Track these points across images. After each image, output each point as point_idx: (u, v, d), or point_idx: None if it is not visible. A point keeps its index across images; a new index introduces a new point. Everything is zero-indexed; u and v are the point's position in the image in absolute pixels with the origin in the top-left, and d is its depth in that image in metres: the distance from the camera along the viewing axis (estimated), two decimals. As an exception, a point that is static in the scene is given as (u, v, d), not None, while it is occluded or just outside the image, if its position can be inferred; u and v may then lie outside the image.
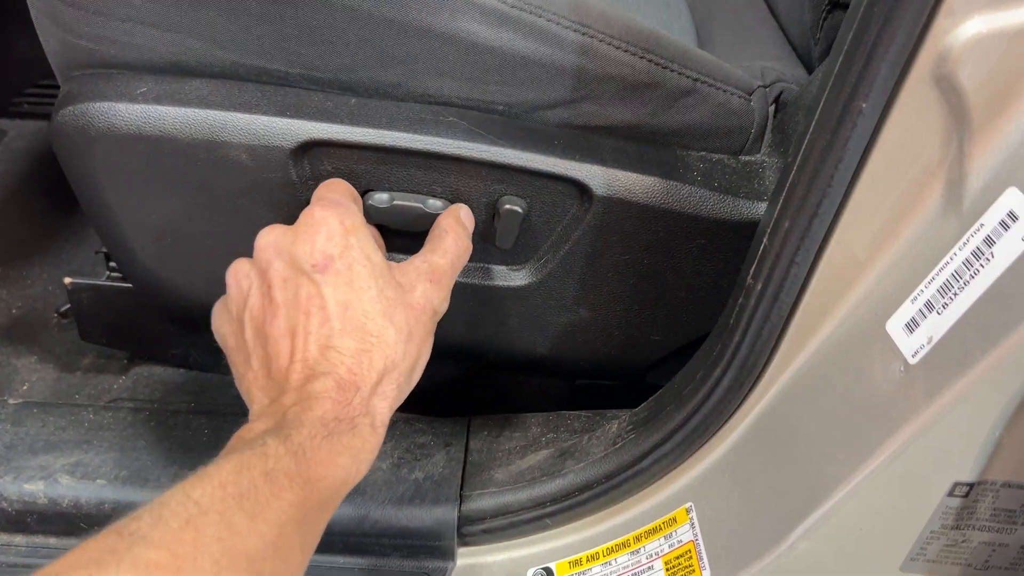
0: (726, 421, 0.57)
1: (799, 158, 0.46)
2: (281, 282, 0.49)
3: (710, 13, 0.84)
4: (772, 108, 0.65)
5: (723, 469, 0.57)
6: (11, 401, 0.69)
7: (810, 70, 0.72)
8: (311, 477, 0.41)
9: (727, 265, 0.63)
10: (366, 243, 0.51)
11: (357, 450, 0.45)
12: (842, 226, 0.47)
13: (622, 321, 0.66)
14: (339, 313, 0.48)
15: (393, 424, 0.69)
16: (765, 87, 0.64)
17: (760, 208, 0.60)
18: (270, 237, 0.51)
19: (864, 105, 0.42)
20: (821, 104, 0.44)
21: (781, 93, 0.65)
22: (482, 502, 0.62)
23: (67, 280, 0.74)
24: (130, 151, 0.58)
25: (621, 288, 0.64)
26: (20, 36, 1.14)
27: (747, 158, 0.64)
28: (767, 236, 0.50)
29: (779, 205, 0.48)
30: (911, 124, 0.43)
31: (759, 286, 0.51)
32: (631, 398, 0.76)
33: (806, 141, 0.45)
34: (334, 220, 0.51)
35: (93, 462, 0.64)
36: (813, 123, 0.45)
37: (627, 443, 0.60)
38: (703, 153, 0.63)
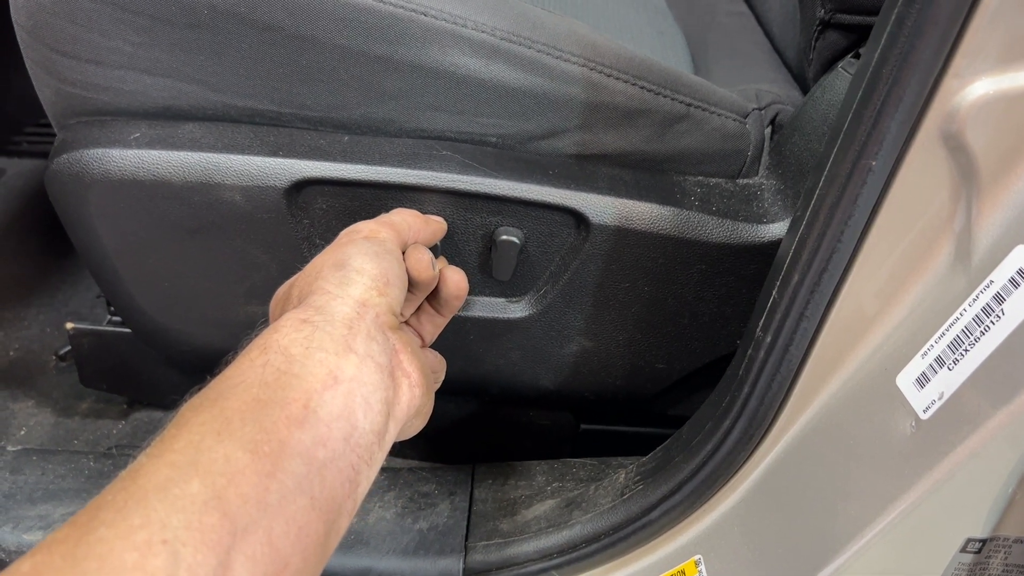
0: (735, 473, 0.55)
1: (808, 213, 0.46)
2: None
3: (705, 39, 0.84)
4: (768, 130, 0.65)
5: (732, 521, 0.56)
6: (10, 448, 0.69)
7: (805, 91, 0.71)
8: (218, 393, 0.37)
9: (729, 290, 0.62)
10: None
11: (265, 344, 0.39)
12: (851, 281, 0.46)
13: (625, 350, 0.65)
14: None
15: (396, 472, 0.68)
16: (760, 109, 0.64)
17: (760, 231, 0.60)
18: None
19: (874, 163, 0.42)
20: (830, 160, 0.44)
21: (777, 115, 0.65)
22: (488, 554, 0.61)
23: (69, 325, 0.74)
24: (125, 196, 0.58)
25: (623, 317, 0.63)
26: (19, 75, 1.15)
27: (745, 181, 0.63)
28: (776, 289, 0.49)
29: (788, 259, 0.48)
30: (920, 181, 0.43)
31: (768, 339, 0.50)
32: (637, 443, 0.75)
33: (815, 197, 0.45)
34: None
35: None
36: (822, 179, 0.45)
37: (635, 494, 0.59)
38: (700, 178, 0.63)
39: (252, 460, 0.34)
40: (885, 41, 0.41)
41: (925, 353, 0.46)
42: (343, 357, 0.39)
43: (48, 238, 1.07)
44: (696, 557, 0.58)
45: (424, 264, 0.49)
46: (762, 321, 0.51)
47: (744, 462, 0.55)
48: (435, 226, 0.55)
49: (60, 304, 0.97)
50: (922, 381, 0.46)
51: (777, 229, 0.60)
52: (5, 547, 0.61)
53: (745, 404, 0.53)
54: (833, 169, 0.45)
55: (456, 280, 0.52)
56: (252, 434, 0.35)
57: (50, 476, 0.66)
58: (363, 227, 0.49)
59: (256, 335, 0.41)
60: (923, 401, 0.45)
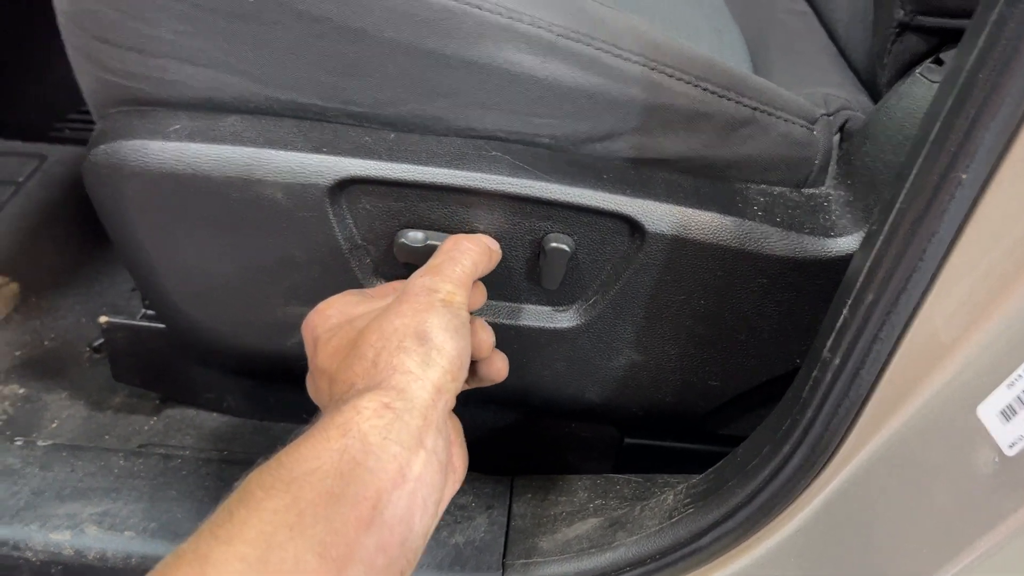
0: (794, 501, 0.52)
1: (886, 227, 0.42)
2: None
3: (765, 40, 0.80)
4: (837, 138, 0.61)
5: (788, 552, 0.53)
6: (40, 443, 0.67)
7: (875, 97, 0.67)
8: (292, 477, 0.36)
9: (791, 306, 0.58)
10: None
11: (346, 426, 0.38)
12: (931, 301, 0.43)
13: (677, 366, 0.61)
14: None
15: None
16: (829, 115, 0.60)
17: (827, 245, 0.56)
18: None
19: (964, 175, 0.38)
20: (914, 171, 0.41)
21: (847, 121, 0.61)
22: (526, 573, 0.58)
23: (102, 319, 0.72)
24: (163, 190, 0.56)
25: (676, 330, 0.60)
26: (61, 61, 1.15)
27: (811, 191, 0.60)
28: (847, 308, 0.46)
29: (862, 276, 0.44)
30: (1014, 196, 0.39)
31: (836, 360, 0.46)
32: (684, 460, 0.72)
33: (895, 210, 0.42)
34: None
35: (122, 512, 0.61)
36: (904, 191, 0.41)
37: (684, 517, 0.56)
38: (763, 186, 0.59)
39: (319, 565, 0.34)
40: (983, 44, 0.37)
41: (1012, 383, 0.42)
42: (414, 453, 0.39)
43: (87, 227, 1.06)
44: (748, 588, 0.55)
45: (487, 346, 0.51)
46: (830, 341, 0.48)
47: (804, 490, 0.52)
48: (496, 258, 0.54)
49: (96, 295, 0.96)
50: (1008, 414, 0.42)
51: (846, 243, 0.56)
52: (32, 547, 0.60)
53: (808, 429, 0.50)
54: (917, 181, 0.41)
55: (499, 368, 0.53)
56: (322, 535, 0.35)
57: (79, 474, 0.64)
58: (440, 286, 0.47)
59: (336, 407, 0.40)
60: (1009, 436, 0.42)
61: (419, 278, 0.47)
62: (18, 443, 0.67)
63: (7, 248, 1.02)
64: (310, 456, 0.37)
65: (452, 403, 0.44)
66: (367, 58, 0.54)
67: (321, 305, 0.50)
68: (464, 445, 0.47)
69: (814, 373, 0.49)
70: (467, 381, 0.51)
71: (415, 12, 0.52)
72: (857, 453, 0.49)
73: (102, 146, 0.57)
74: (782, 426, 0.52)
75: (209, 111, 0.57)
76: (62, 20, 0.58)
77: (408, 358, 0.42)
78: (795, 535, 0.52)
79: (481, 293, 0.55)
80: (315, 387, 0.48)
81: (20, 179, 1.14)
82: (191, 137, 0.55)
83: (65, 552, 0.60)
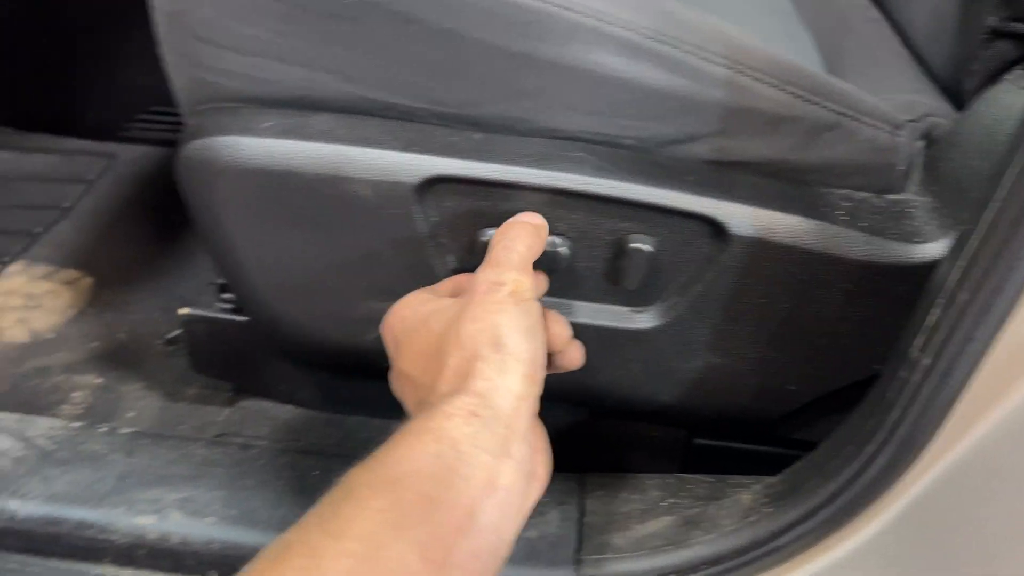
0: (877, 501, 0.52)
1: (982, 228, 0.42)
2: None
3: (840, 45, 0.79)
4: (921, 144, 0.61)
5: (869, 552, 0.52)
6: (122, 430, 0.69)
7: (957, 104, 0.67)
8: (394, 477, 0.37)
9: (874, 311, 0.58)
10: None
11: (439, 432, 0.39)
12: None
13: (755, 369, 0.61)
14: None
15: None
16: (913, 121, 0.60)
17: (912, 251, 0.56)
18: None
19: None
20: (1011, 172, 0.40)
21: (931, 128, 0.61)
22: (600, 568, 0.58)
23: (183, 310, 0.74)
24: (254, 185, 0.57)
25: (756, 333, 0.60)
26: (133, 64, 1.18)
27: (894, 197, 0.59)
28: (941, 308, 0.45)
29: (957, 275, 0.44)
30: None
31: (926, 360, 0.46)
32: (754, 462, 0.71)
33: (993, 211, 0.41)
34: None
35: (203, 499, 0.63)
36: (1000, 192, 0.41)
37: (763, 517, 0.55)
38: (846, 191, 0.59)
39: (422, 567, 0.35)
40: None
41: None
42: (502, 462, 0.39)
43: (157, 224, 1.09)
44: (827, 588, 0.55)
45: (562, 339, 0.51)
46: (920, 342, 0.48)
47: (888, 490, 0.52)
48: (544, 232, 0.53)
49: (166, 289, 0.98)
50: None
51: (932, 249, 0.56)
52: (118, 529, 0.61)
53: (894, 429, 0.50)
54: (1019, 183, 0.41)
55: (575, 358, 0.53)
56: (423, 537, 0.36)
57: (161, 461, 0.66)
58: (504, 276, 0.47)
59: (423, 411, 0.41)
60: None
61: (482, 273, 0.48)
62: (102, 430, 0.69)
63: (80, 244, 1.05)
64: (408, 458, 0.38)
65: (536, 407, 0.44)
66: (457, 59, 0.55)
67: (396, 307, 0.51)
68: (548, 451, 0.47)
69: (901, 373, 0.49)
70: None
71: (507, 14, 0.53)
72: (945, 455, 0.49)
73: (196, 141, 0.58)
74: (865, 426, 0.52)
75: (299, 109, 0.59)
76: (160, 18, 0.59)
77: (487, 366, 0.42)
78: (877, 536, 0.52)
79: (543, 280, 0.55)
80: (400, 387, 0.50)
81: (91, 177, 1.17)
82: (283, 134, 0.57)
83: (149, 536, 0.61)
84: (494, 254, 0.49)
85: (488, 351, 0.43)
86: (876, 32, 0.81)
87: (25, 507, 0.62)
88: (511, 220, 0.52)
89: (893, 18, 0.84)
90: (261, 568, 0.35)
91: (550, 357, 0.52)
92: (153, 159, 1.19)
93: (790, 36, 0.81)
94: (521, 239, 0.50)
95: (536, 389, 0.44)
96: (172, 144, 1.23)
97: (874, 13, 0.87)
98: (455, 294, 0.51)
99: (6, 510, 0.62)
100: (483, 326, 0.44)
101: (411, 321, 0.49)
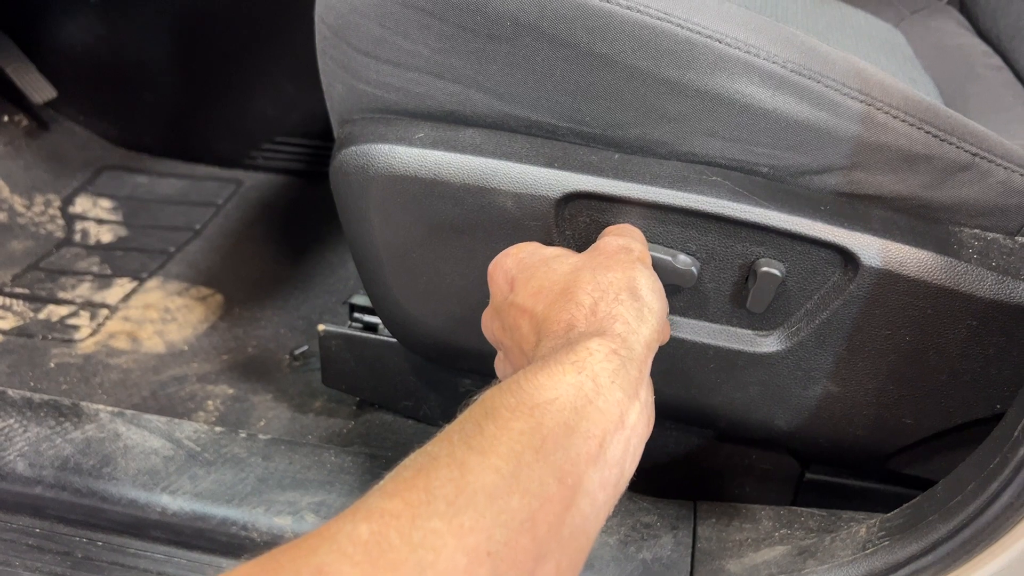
0: (1000, 539, 0.52)
1: None
2: None
3: (964, 91, 0.80)
4: (1054, 189, 0.61)
5: (992, 587, 0.53)
6: (261, 436, 0.73)
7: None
8: (535, 402, 0.38)
9: (998, 351, 0.59)
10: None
11: (580, 364, 0.41)
12: None
13: (873, 400, 0.62)
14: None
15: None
16: (1047, 166, 0.61)
17: (1044, 292, 0.56)
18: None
19: None
20: None
21: (1064, 173, 0.61)
22: (716, 594, 0.60)
23: (320, 327, 0.79)
24: (404, 192, 0.61)
25: (877, 365, 0.60)
26: (260, 95, 1.26)
27: (1025, 239, 0.60)
28: None
29: None
30: None
31: None
32: (866, 500, 0.72)
33: None
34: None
35: (336, 503, 0.66)
36: None
37: (879, 549, 0.56)
38: (976, 230, 0.60)
39: (559, 490, 0.36)
40: None
41: None
42: (632, 402, 0.41)
43: (282, 245, 1.15)
44: (947, 623, 0.55)
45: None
46: None
47: (1011, 528, 0.52)
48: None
49: (293, 308, 1.04)
50: None
51: (1064, 292, 0.56)
52: (258, 528, 0.65)
53: (1020, 467, 0.50)
54: None
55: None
56: (561, 462, 0.37)
57: (297, 466, 0.70)
58: (634, 245, 0.51)
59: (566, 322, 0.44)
60: None
61: (609, 237, 0.51)
62: (242, 435, 0.73)
63: (211, 263, 1.12)
64: (548, 385, 0.39)
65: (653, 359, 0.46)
66: (606, 82, 0.58)
67: (510, 249, 0.54)
68: (653, 406, 0.48)
69: None
70: None
71: (659, 42, 0.56)
72: (1075, 496, 0.49)
73: (351, 148, 0.62)
74: (990, 463, 0.52)
75: (449, 123, 0.63)
76: (324, 32, 0.64)
77: (626, 311, 0.45)
78: (1001, 572, 0.52)
79: None
80: (507, 324, 0.51)
81: (220, 201, 1.25)
82: (434, 145, 0.60)
83: (287, 536, 0.65)
84: (618, 227, 0.54)
85: (627, 297, 0.46)
86: (1001, 79, 0.82)
87: (175, 502, 0.67)
88: (617, 226, 0.57)
89: (1016, 66, 0.84)
90: (409, 476, 0.36)
91: None
92: (276, 186, 1.27)
93: (912, 80, 0.83)
94: (637, 239, 0.54)
95: (660, 343, 0.47)
96: (294, 172, 1.30)
97: (996, 60, 0.88)
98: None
99: (158, 504, 0.66)
100: (621, 276, 0.47)
101: (531, 260, 0.52)
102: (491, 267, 0.54)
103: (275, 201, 1.23)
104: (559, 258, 0.50)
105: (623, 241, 0.51)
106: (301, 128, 1.23)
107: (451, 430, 0.38)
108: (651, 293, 0.47)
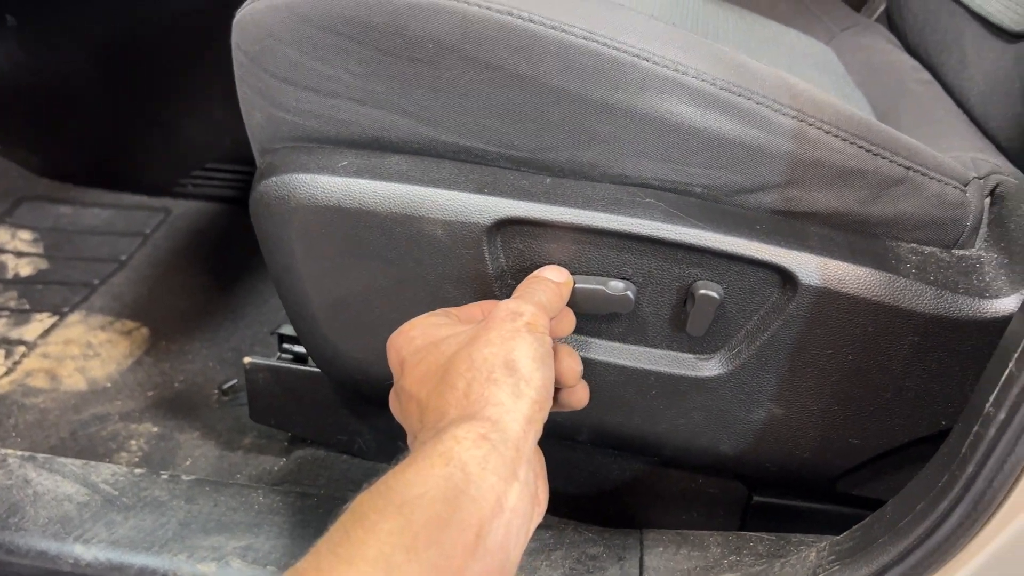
0: (951, 560, 0.51)
1: None
2: None
3: (895, 105, 0.81)
4: (987, 201, 0.61)
5: (945, 608, 0.51)
6: (184, 477, 0.69)
7: (1013, 161, 0.67)
8: (403, 500, 0.37)
9: (941, 366, 0.58)
10: None
11: (447, 454, 0.39)
12: None
13: (818, 421, 0.61)
14: None
15: (561, 532, 0.66)
16: (980, 178, 0.61)
17: (982, 306, 0.56)
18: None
19: None
20: None
21: (997, 185, 0.61)
22: (665, 619, 0.57)
23: (246, 360, 0.75)
24: (328, 222, 0.58)
25: (821, 385, 0.59)
26: (189, 121, 1.22)
27: (962, 252, 0.59)
28: (1014, 361, 0.45)
29: None
30: None
31: (1002, 415, 0.46)
32: (815, 521, 0.70)
33: None
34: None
35: (263, 547, 0.63)
36: None
37: (830, 574, 0.54)
38: (913, 245, 0.59)
39: None
40: None
41: None
42: (509, 484, 0.40)
43: (212, 275, 1.11)
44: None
45: (574, 374, 0.51)
46: (994, 396, 0.48)
47: (963, 548, 0.51)
48: (567, 294, 0.55)
49: (221, 341, 1.00)
50: None
51: (1002, 305, 0.55)
52: (181, 575, 0.61)
53: (969, 485, 0.49)
54: None
55: (581, 398, 0.53)
56: (435, 559, 0.36)
57: (222, 508, 0.66)
58: (524, 309, 0.48)
59: (433, 435, 0.42)
60: None
61: (504, 303, 0.49)
62: (164, 476, 0.69)
63: (137, 295, 1.08)
64: (417, 481, 0.38)
65: (540, 433, 0.45)
66: (533, 104, 0.56)
67: (405, 326, 0.51)
68: (546, 478, 0.48)
69: (975, 428, 0.49)
70: None
71: (584, 62, 0.54)
72: (1022, 511, 0.48)
73: (272, 178, 0.59)
74: (938, 482, 0.51)
75: (373, 150, 0.60)
76: (242, 59, 0.61)
77: (499, 390, 0.43)
78: (953, 597, 0.51)
79: (570, 321, 0.56)
80: (401, 408, 0.50)
81: (147, 231, 1.21)
82: (358, 173, 0.58)
83: None
84: (519, 289, 0.53)
85: (501, 374, 0.44)
86: (931, 93, 0.82)
87: (89, 552, 0.62)
88: (535, 273, 0.55)
89: (945, 80, 0.85)
90: None
91: (557, 393, 0.52)
92: (206, 213, 1.23)
93: (845, 96, 0.83)
94: (544, 290, 0.53)
95: (543, 416, 0.45)
96: (224, 200, 1.26)
97: (925, 75, 0.88)
98: (469, 321, 0.52)
99: (71, 555, 0.62)
100: (497, 351, 0.45)
101: (420, 342, 0.49)
102: (388, 344, 0.51)
103: (205, 229, 1.19)
104: (451, 338, 0.48)
105: (514, 305, 0.48)
106: (232, 154, 1.20)
107: (322, 541, 0.37)
108: (531, 363, 0.45)
